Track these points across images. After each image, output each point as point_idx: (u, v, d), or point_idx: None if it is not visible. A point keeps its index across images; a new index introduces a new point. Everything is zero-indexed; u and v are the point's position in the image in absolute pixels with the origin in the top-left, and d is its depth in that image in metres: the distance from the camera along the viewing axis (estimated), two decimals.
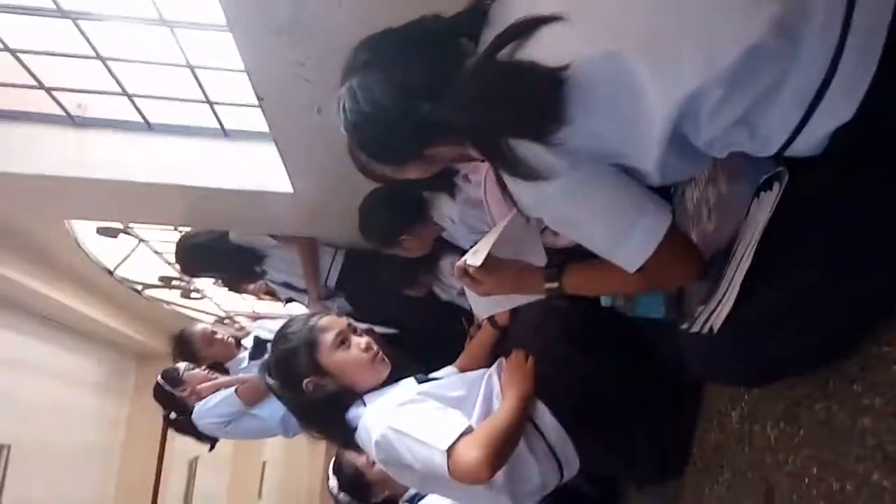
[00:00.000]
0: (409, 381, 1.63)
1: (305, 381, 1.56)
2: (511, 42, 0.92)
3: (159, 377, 3.11)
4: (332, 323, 1.63)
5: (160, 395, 3.04)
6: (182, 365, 3.12)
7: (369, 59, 1.03)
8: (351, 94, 1.02)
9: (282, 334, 1.64)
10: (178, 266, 3.28)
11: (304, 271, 3.06)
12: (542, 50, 0.89)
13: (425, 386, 1.60)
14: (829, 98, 0.77)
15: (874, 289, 0.85)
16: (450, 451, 1.33)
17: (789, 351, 0.98)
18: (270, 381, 1.64)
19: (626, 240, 0.96)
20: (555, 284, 1.24)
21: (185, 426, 2.97)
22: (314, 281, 3.05)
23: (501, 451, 1.36)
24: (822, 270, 0.88)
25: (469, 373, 1.73)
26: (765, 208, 0.91)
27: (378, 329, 2.75)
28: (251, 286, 3.38)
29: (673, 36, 0.81)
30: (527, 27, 0.91)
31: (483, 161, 1.14)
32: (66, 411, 5.15)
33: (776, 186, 0.90)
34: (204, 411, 2.86)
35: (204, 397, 2.97)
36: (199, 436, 2.94)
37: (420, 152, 1.07)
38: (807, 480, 1.06)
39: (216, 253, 3.07)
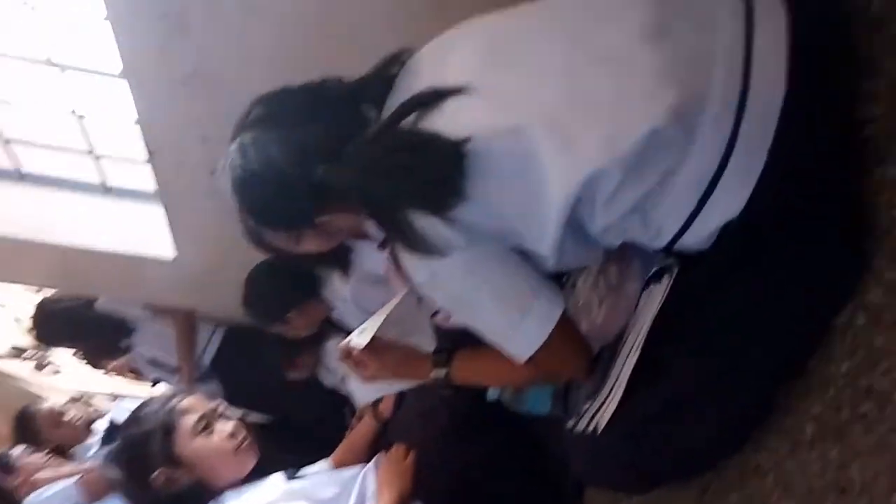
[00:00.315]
0: (278, 477, 1.47)
1: (155, 472, 1.37)
2: (415, 111, 0.90)
3: None
4: (194, 405, 1.46)
5: None
6: (17, 450, 2.76)
7: (264, 116, 0.98)
8: (241, 150, 0.95)
9: (135, 417, 1.45)
10: (34, 333, 2.93)
11: (178, 347, 2.82)
12: (446, 121, 0.87)
13: (295, 484, 1.45)
14: (722, 188, 0.79)
15: (754, 387, 0.85)
16: None
17: (671, 453, 0.95)
18: (113, 471, 1.43)
19: (519, 324, 0.93)
20: (442, 372, 1.19)
21: None
22: (189, 358, 2.81)
23: None
24: (704, 368, 0.87)
25: (344, 469, 1.59)
26: (654, 300, 0.91)
27: (250, 418, 2.54)
28: (114, 363, 3.09)
29: (576, 115, 0.82)
30: (432, 97, 0.89)
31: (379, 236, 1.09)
32: None
33: (665, 279, 0.90)
34: (36, 503, 2.50)
35: (38, 488, 2.62)
36: None
37: (312, 219, 1.01)
38: None
39: (79, 322, 2.78)
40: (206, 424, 1.43)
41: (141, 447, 1.39)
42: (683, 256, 0.88)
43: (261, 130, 0.96)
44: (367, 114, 0.98)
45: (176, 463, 1.38)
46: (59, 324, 2.80)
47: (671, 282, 0.89)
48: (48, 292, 3.13)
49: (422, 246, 0.89)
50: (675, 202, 0.81)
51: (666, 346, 0.90)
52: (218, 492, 1.41)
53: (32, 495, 2.54)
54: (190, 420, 1.42)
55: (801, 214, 0.80)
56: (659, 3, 0.83)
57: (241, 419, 1.54)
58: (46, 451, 2.82)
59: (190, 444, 1.40)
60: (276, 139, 0.94)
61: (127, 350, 2.89)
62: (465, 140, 0.83)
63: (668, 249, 0.87)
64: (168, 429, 1.39)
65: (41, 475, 2.66)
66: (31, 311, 2.92)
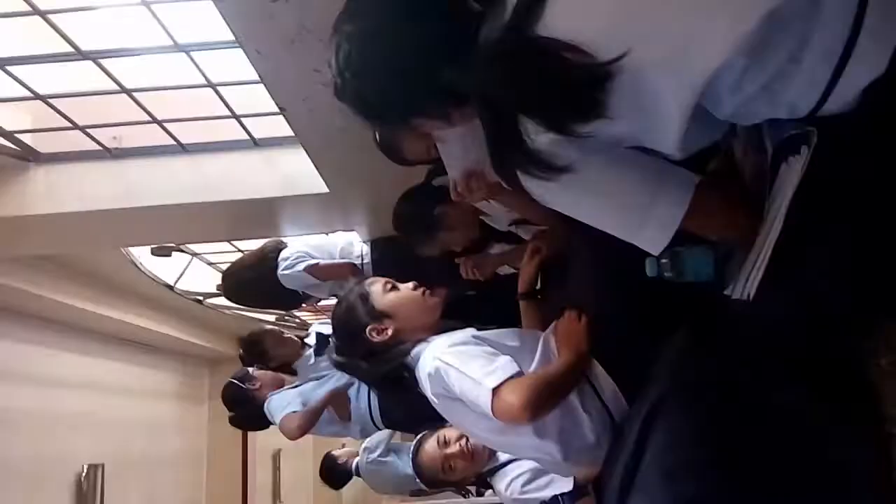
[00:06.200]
0: (468, 330, 1.63)
1: (367, 328, 1.59)
2: (533, 13, 0.81)
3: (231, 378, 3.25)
4: (377, 278, 1.71)
5: (231, 393, 3.18)
6: (251, 368, 3.25)
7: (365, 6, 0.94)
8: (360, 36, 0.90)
9: (338, 304, 1.73)
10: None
11: None
12: (566, 24, 0.79)
13: (482, 333, 1.59)
14: (859, 52, 0.73)
15: None
16: (496, 390, 1.34)
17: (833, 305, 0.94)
18: (337, 356, 1.70)
19: (639, 230, 0.95)
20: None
21: (253, 419, 3.13)
22: None
23: (545, 400, 1.35)
24: (856, 230, 0.84)
25: (524, 329, 1.75)
26: (794, 171, 0.87)
27: None
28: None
29: (689, 17, 0.76)
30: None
31: None
32: (151, 424, 5.43)
33: (804, 150, 0.86)
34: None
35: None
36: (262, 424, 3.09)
37: (410, 117, 0.99)
38: None
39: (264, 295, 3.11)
40: (392, 286, 1.66)
41: (350, 315, 1.63)
42: (824, 121, 0.83)
43: (367, 23, 0.91)
44: (475, 9, 0.89)
45: (379, 316, 1.60)
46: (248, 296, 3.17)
47: (811, 152, 0.84)
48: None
49: (542, 169, 0.85)
50: (809, 75, 0.77)
51: (811, 212, 0.87)
52: (417, 339, 1.60)
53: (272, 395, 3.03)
54: (378, 286, 1.65)
55: None
56: None
57: None
58: (272, 367, 3.30)
59: (384, 299, 1.62)
60: (389, 33, 0.90)
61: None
62: (616, 59, 0.75)
63: (807, 119, 0.83)
64: (364, 296, 1.63)
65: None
66: (224, 256, 3.21)
